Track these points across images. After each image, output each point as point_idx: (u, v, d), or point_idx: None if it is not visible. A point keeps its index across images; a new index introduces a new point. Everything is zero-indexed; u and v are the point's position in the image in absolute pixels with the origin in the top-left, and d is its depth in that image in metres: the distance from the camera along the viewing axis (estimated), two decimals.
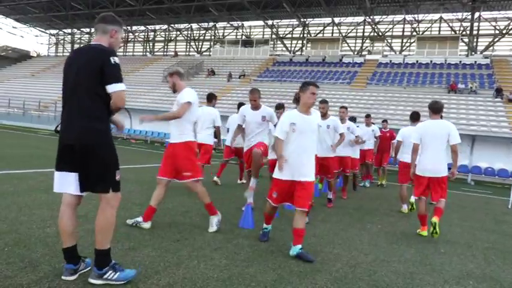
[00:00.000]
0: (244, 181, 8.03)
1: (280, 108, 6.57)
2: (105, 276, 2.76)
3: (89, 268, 2.91)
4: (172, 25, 43.48)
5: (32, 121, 28.99)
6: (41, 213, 4.47)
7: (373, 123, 11.38)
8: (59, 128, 2.87)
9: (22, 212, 4.48)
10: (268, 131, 5.97)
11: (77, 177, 2.72)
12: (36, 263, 3.01)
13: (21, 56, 47.35)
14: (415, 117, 7.50)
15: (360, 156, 9.40)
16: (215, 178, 8.50)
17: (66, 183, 2.75)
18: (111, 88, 2.66)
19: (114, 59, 2.68)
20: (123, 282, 2.80)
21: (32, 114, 30.18)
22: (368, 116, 11.04)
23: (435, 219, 5.11)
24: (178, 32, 44.30)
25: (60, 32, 50.44)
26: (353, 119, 9.99)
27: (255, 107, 5.86)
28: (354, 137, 8.19)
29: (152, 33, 46.02)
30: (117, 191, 2.83)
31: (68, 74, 2.78)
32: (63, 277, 2.78)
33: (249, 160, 5.84)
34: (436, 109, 5.48)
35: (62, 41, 51.42)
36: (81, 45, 2.83)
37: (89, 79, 2.67)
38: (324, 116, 6.47)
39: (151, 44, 46.14)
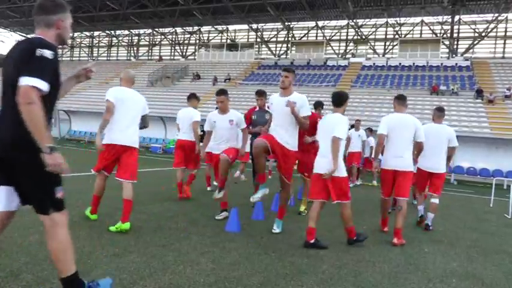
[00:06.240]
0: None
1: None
2: None
3: None
4: (157, 29, 43.24)
5: None
6: (22, 221, 4.37)
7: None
8: None
9: None
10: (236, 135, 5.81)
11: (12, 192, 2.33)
12: (18, 272, 2.96)
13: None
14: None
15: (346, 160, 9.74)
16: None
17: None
18: (20, 81, 2.10)
19: (41, 51, 2.15)
20: None
21: None
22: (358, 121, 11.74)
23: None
24: (162, 36, 44.07)
25: None
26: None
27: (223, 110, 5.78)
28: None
29: (136, 37, 45.66)
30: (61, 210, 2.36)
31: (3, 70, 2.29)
32: None
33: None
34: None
35: None
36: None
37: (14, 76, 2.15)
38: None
39: (135, 49, 45.75)
